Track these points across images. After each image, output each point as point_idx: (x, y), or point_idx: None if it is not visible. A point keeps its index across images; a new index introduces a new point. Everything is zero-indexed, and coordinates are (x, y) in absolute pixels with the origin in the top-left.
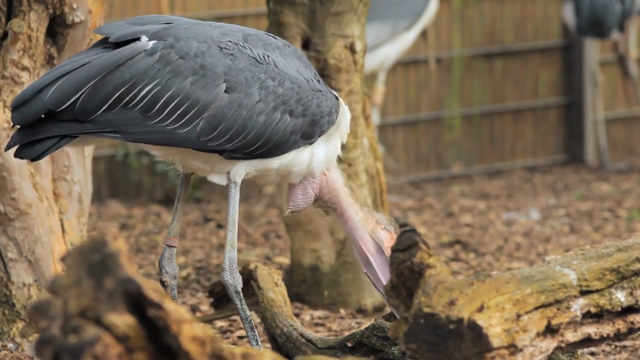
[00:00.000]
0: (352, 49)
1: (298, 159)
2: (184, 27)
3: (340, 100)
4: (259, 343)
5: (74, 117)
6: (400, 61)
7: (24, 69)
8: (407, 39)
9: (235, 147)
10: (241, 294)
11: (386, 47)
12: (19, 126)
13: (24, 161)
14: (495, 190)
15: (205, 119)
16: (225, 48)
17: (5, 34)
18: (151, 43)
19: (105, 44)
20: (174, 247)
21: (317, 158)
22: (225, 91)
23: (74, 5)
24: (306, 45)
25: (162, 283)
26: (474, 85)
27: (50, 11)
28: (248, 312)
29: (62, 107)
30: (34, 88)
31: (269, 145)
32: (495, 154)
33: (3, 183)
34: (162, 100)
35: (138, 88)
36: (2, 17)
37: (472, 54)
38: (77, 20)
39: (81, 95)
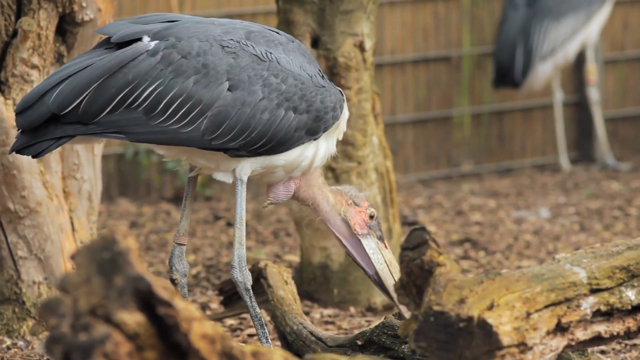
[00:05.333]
0: (361, 47)
1: (304, 154)
2: (186, 26)
3: (344, 96)
4: (269, 341)
5: (78, 120)
6: (410, 59)
7: (34, 67)
8: (603, 14)
9: (239, 145)
10: (251, 291)
11: (584, 31)
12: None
13: (34, 159)
14: (505, 189)
15: (208, 117)
16: (228, 46)
17: (15, 33)
18: (153, 43)
19: (108, 44)
20: (184, 245)
21: (319, 153)
22: (228, 89)
23: (84, 4)
24: (315, 43)
25: (173, 281)
26: (483, 83)
27: (60, 9)
28: (258, 310)
29: (66, 111)
30: (37, 92)
31: (274, 142)
32: (504, 152)
33: (13, 181)
34: (165, 100)
35: (141, 89)
36: (11, 15)
37: (482, 53)
38: (86, 18)
39: (84, 98)
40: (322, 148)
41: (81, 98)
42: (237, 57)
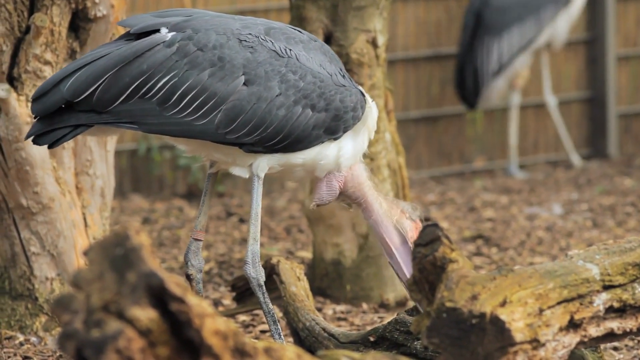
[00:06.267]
0: (374, 43)
1: (323, 153)
2: (205, 19)
3: (367, 96)
4: (282, 337)
5: (92, 108)
6: (423, 56)
7: (47, 63)
8: (564, 19)
9: (254, 141)
10: (264, 287)
11: (540, 38)
12: (38, 117)
13: (47, 155)
14: (518, 185)
15: (223, 111)
16: (245, 41)
17: (28, 29)
18: (170, 34)
19: (128, 36)
20: (200, 240)
21: (345, 153)
22: (244, 84)
23: (97, 0)
24: (328, 39)
25: (188, 276)
26: None
27: (73, 5)
28: (271, 306)
29: (80, 98)
30: (53, 79)
31: (290, 140)
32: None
33: (26, 177)
34: (180, 91)
35: (155, 79)
36: (24, 11)
37: None
38: (99, 14)
39: (99, 86)
40: (347, 148)
41: (95, 86)
42: (255, 51)
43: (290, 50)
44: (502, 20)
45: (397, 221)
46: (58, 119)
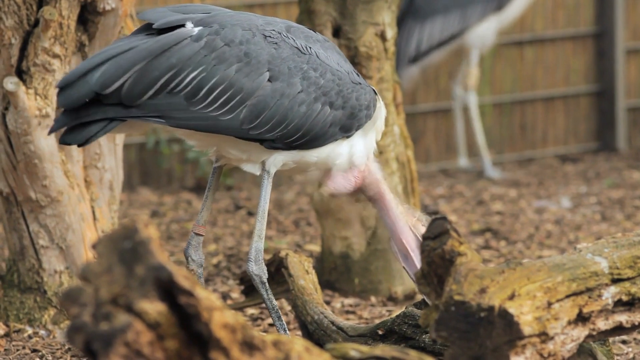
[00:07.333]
0: (382, 36)
1: (336, 151)
2: (229, 14)
3: (378, 95)
4: (287, 331)
5: (120, 101)
6: None
7: (55, 56)
8: (509, 14)
9: (276, 137)
10: (267, 284)
11: (463, 35)
12: (62, 109)
13: (55, 148)
14: (526, 178)
15: (248, 107)
16: (270, 37)
17: (37, 22)
18: (197, 29)
19: (149, 30)
20: (202, 235)
21: (357, 150)
22: (269, 80)
23: None
24: (337, 32)
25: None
26: (505, 73)
27: None
28: (275, 302)
29: (109, 90)
30: (80, 71)
31: (308, 137)
32: (526, 141)
33: (34, 170)
34: (207, 86)
35: (184, 74)
36: (33, 4)
37: (503, 42)
38: (108, 7)
39: (127, 79)
40: (359, 146)
41: (125, 78)
42: (279, 47)
43: (310, 47)
44: (429, 8)
45: (413, 226)
46: (84, 112)
